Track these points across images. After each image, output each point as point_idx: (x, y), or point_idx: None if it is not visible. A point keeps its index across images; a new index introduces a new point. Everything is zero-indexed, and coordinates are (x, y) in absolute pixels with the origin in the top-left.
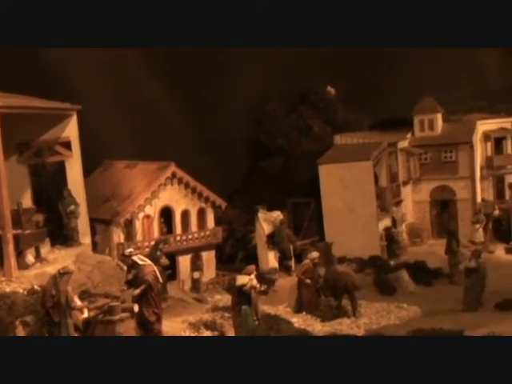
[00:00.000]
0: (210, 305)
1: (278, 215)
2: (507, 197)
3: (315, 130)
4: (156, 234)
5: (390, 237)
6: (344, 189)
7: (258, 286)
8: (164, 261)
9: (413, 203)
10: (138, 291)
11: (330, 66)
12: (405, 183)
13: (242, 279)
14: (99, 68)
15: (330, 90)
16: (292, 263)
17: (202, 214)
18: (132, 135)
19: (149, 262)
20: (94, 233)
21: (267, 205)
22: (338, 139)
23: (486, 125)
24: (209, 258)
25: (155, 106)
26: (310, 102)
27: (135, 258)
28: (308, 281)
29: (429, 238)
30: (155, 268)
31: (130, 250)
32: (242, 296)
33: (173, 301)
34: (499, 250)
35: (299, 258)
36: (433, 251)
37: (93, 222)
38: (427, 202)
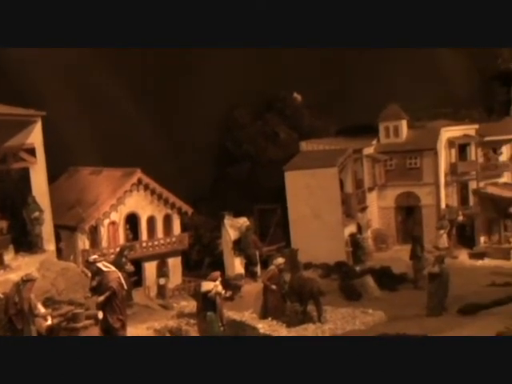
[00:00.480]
0: (175, 311)
1: (244, 221)
2: (471, 203)
3: (282, 136)
4: (121, 240)
5: (355, 243)
6: (310, 195)
7: (223, 292)
8: (129, 267)
9: (378, 209)
10: (102, 298)
11: (297, 73)
12: (370, 189)
13: (206, 285)
14: (63, 73)
15: (297, 96)
16: (258, 269)
17: (168, 220)
18: (98, 141)
19: (113, 268)
20: (58, 239)
21: (234, 211)
22: (304, 146)
23: (450, 131)
24: (175, 264)
25: (121, 112)
26: (276, 108)
27: (100, 264)
28: (273, 287)
29: (394, 243)
30: (120, 275)
31: (95, 256)
32: (207, 302)
33: (138, 307)
34: (463, 256)
35: (265, 264)
36: (398, 257)
37: (58, 228)
38: (392, 208)
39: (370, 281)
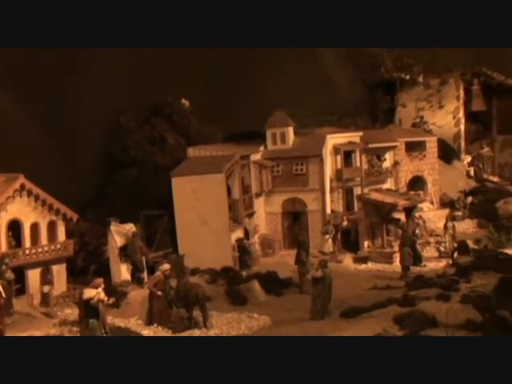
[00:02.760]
0: (58, 319)
1: (130, 227)
2: (356, 208)
3: (169, 142)
4: (3, 247)
5: (242, 248)
6: (197, 201)
7: (105, 299)
8: (9, 275)
9: (265, 215)
10: None
11: (185, 78)
12: (257, 195)
13: (89, 293)
14: None
15: (185, 102)
16: (144, 275)
17: (52, 226)
18: None
19: None
20: None
21: (120, 217)
22: (192, 152)
23: (335, 138)
24: (59, 271)
25: (3, 115)
26: (164, 114)
27: None
28: (159, 293)
29: (280, 248)
30: None
31: None
32: (89, 309)
33: (19, 316)
34: (347, 260)
35: (152, 271)
36: (284, 262)
37: None
38: (279, 213)
39: (256, 286)
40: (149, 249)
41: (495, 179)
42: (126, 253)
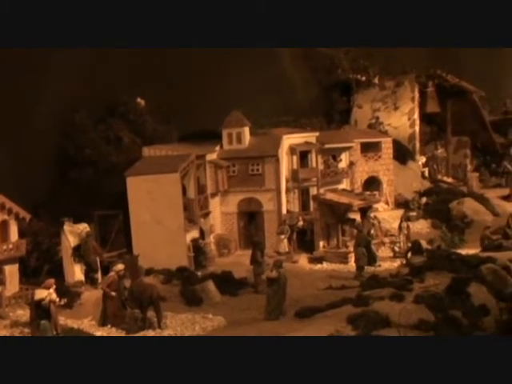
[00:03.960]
0: (9, 320)
1: (84, 227)
2: (311, 208)
3: (124, 141)
4: None
5: (197, 248)
6: (151, 201)
7: (57, 299)
8: None
9: (221, 215)
10: None
11: (141, 76)
12: (213, 195)
13: (40, 293)
14: None
15: (140, 101)
16: (98, 276)
17: (4, 226)
18: None
19: None
20: None
21: (75, 217)
22: (147, 151)
23: (291, 139)
24: (12, 271)
25: None
26: (119, 113)
27: None
28: (113, 293)
29: (236, 248)
30: None
31: None
32: (40, 311)
33: None
34: (303, 260)
35: (106, 271)
36: (239, 262)
37: None
38: (235, 213)
39: (211, 286)
40: (103, 249)
41: (449, 180)
42: (79, 253)
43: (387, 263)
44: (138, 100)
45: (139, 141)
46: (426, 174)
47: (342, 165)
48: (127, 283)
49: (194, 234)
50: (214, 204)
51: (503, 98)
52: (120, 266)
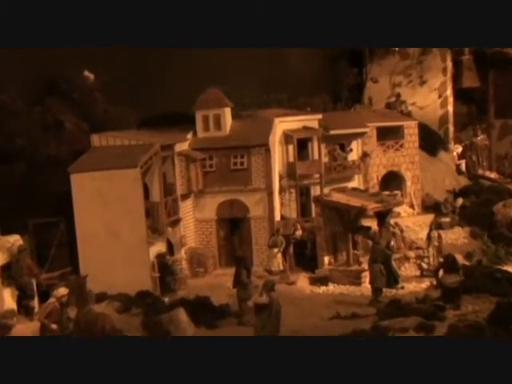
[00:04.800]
0: None
1: (15, 240)
2: (313, 214)
3: (67, 127)
4: None
5: (164, 266)
6: (103, 204)
7: None
8: None
9: (195, 222)
10: None
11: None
12: (184, 197)
13: None
14: None
15: (89, 75)
16: (35, 303)
17: None
18: None
19: None
20: None
21: (3, 226)
22: (97, 140)
23: (286, 123)
24: None
25: None
26: (60, 91)
27: None
28: (54, 326)
29: (215, 266)
30: None
31: None
32: None
33: None
34: (302, 281)
35: (45, 297)
36: (219, 284)
37: None
38: (213, 220)
39: (181, 315)
40: (40, 268)
41: (492, 175)
42: (10, 273)
43: (412, 284)
44: (86, 74)
45: (86, 127)
46: (463, 167)
47: (353, 156)
48: (72, 313)
49: (160, 248)
50: (186, 209)
51: None
52: (63, 291)
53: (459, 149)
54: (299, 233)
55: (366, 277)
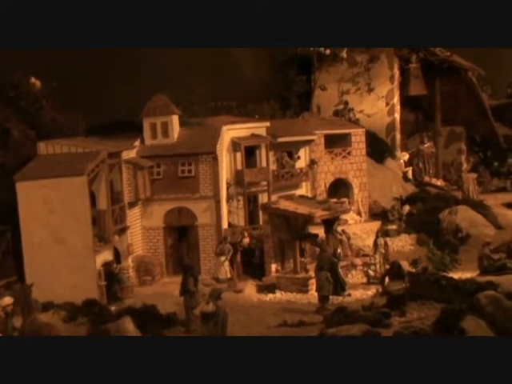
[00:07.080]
0: None
1: None
2: (261, 221)
3: (14, 134)
4: None
5: (111, 275)
6: (49, 213)
7: None
8: None
9: (142, 230)
10: None
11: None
12: (131, 205)
13: None
14: None
15: (35, 82)
16: None
17: None
18: None
19: None
20: None
21: None
22: (44, 147)
23: (234, 130)
24: None
25: None
26: (6, 98)
27: None
28: None
29: (162, 275)
30: None
31: None
32: None
33: None
34: (250, 288)
35: None
36: (167, 292)
37: None
38: (161, 228)
39: (128, 325)
40: None
41: (439, 183)
42: None
43: (359, 291)
44: (33, 80)
45: (32, 134)
46: (410, 175)
47: (301, 164)
48: (17, 322)
49: (107, 256)
50: (133, 217)
51: (507, 77)
52: (7, 300)
53: (406, 156)
54: (247, 240)
55: (313, 284)
